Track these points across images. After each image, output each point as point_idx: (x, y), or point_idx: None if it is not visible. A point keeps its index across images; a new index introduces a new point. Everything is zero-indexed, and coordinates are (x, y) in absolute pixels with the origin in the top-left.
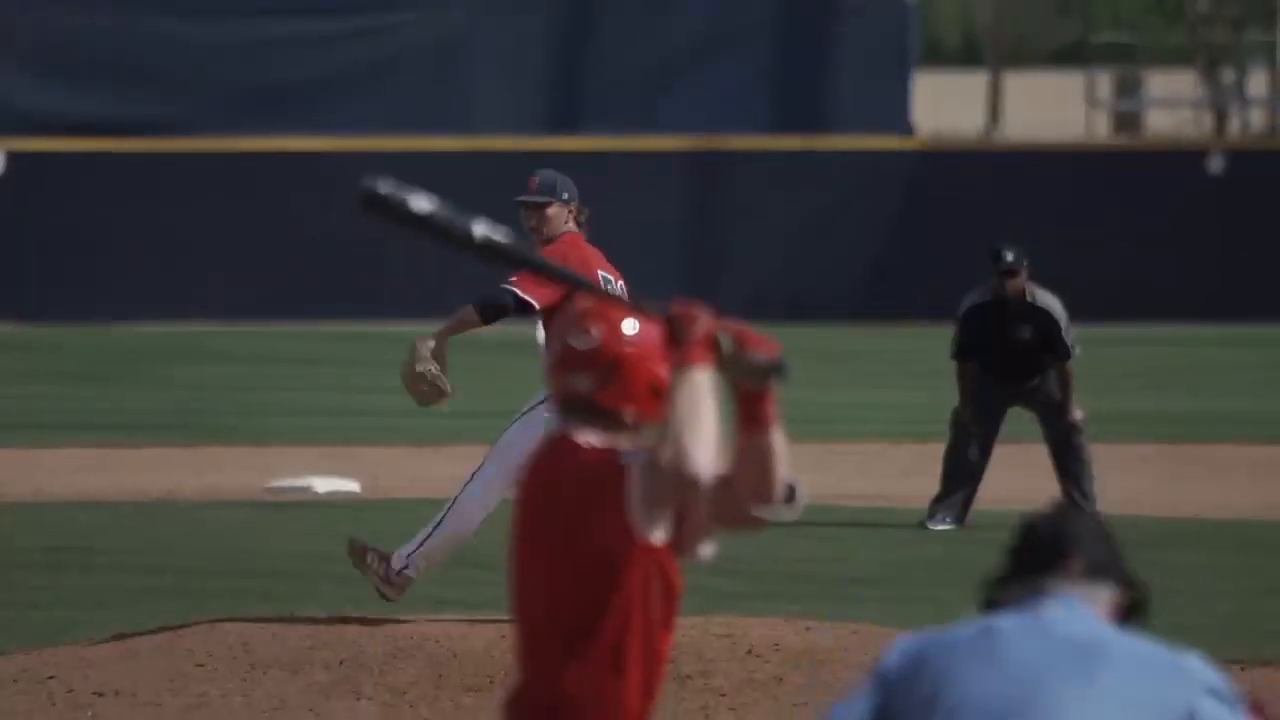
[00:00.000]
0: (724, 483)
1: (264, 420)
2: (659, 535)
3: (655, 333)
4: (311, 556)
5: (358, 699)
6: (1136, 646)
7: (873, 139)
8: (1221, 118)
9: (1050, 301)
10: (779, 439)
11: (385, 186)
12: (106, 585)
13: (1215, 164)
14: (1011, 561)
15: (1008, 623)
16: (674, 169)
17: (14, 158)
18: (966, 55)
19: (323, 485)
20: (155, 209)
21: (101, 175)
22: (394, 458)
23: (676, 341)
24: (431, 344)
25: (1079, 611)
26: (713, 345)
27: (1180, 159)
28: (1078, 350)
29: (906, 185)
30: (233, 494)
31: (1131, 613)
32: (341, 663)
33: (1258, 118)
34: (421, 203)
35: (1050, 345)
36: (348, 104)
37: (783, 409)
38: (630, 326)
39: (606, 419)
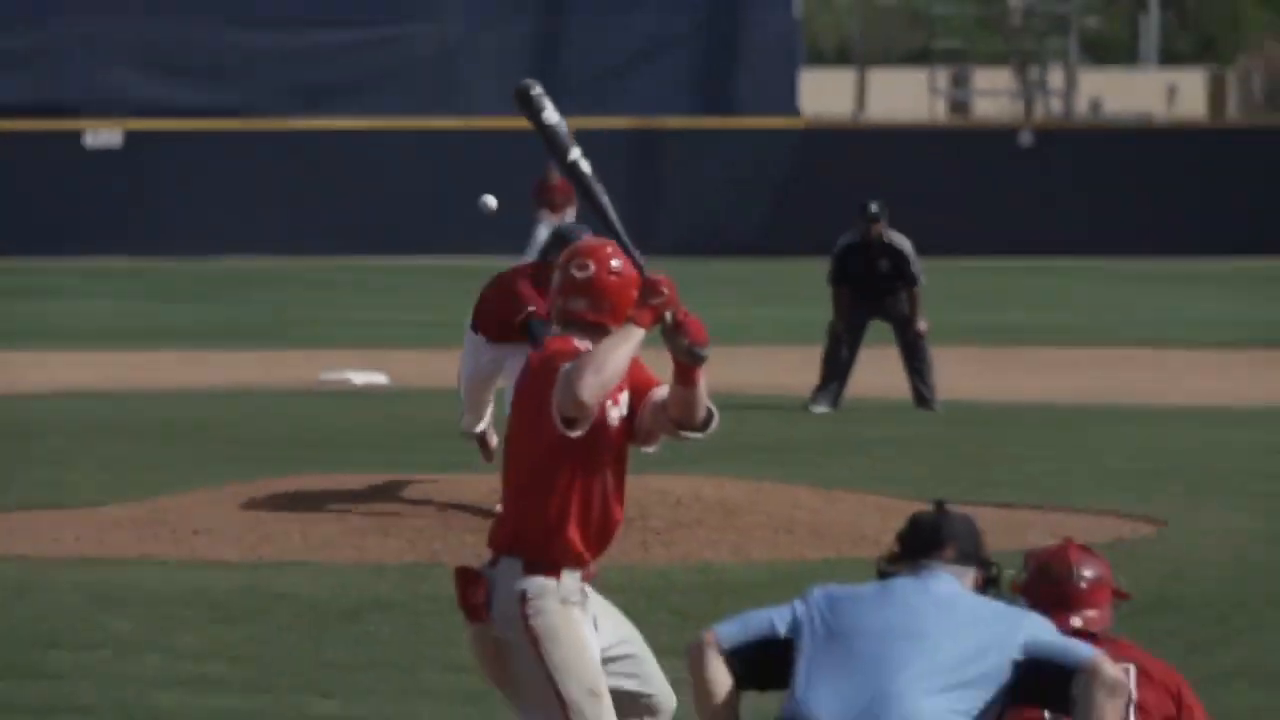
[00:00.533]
0: (661, 408)
1: (317, 330)
2: (574, 433)
3: (633, 269)
4: (350, 431)
5: (386, 537)
6: (989, 603)
7: (769, 119)
8: (1029, 104)
9: (902, 241)
10: (701, 388)
11: (535, 89)
12: (200, 452)
13: (1025, 139)
14: (901, 545)
15: (898, 581)
16: (624, 142)
17: (129, 135)
18: (839, 56)
19: (359, 378)
20: (232, 172)
21: (192, 147)
22: (415, 358)
23: (640, 300)
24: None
25: (949, 581)
26: (659, 316)
27: (999, 135)
28: (923, 278)
29: (794, 155)
30: (293, 385)
31: (989, 586)
32: (374, 509)
33: (1055, 104)
34: (551, 114)
35: (902, 274)
36: (373, 93)
37: (706, 323)
38: (616, 263)
39: (595, 332)
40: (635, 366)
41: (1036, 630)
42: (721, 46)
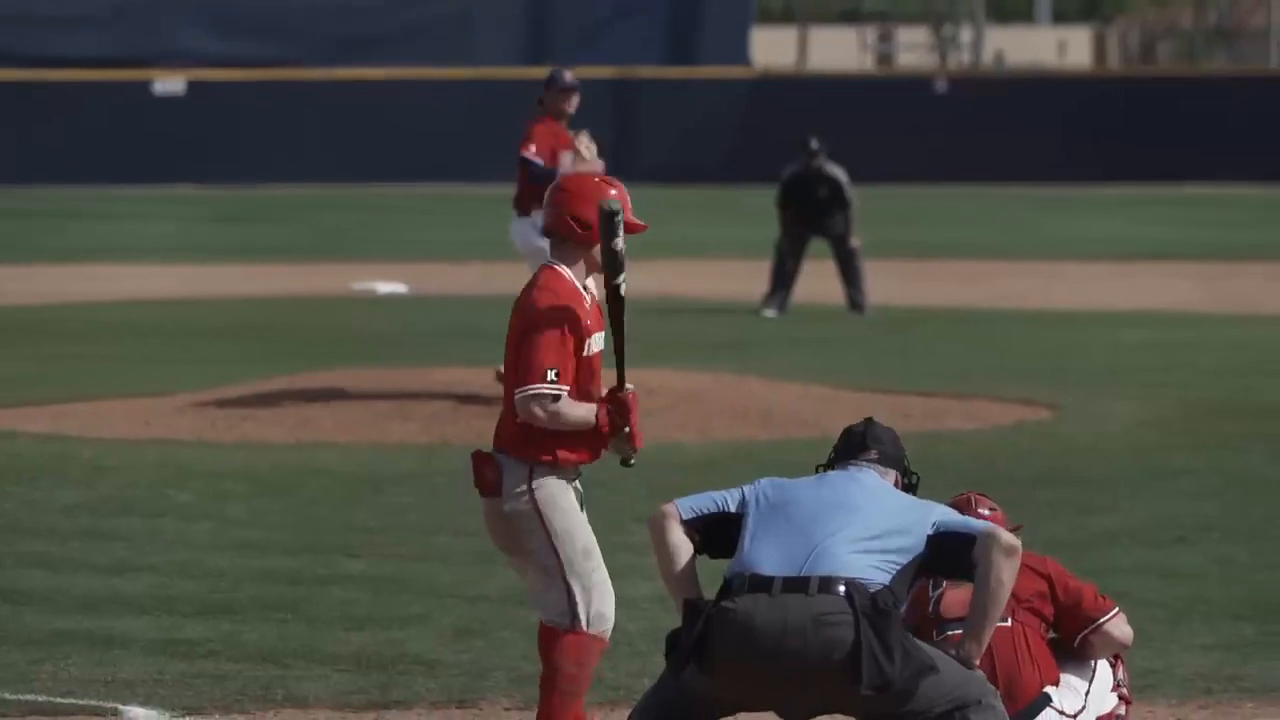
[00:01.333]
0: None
1: (349, 246)
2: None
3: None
4: (375, 332)
5: (405, 421)
6: (909, 496)
7: (727, 69)
8: (944, 57)
9: (837, 171)
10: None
11: (619, 215)
12: (249, 350)
13: (940, 86)
14: (835, 451)
15: (832, 473)
16: (605, 89)
17: (191, 84)
18: (784, 16)
19: (384, 287)
20: (278, 113)
21: (245, 93)
22: (432, 270)
23: (610, 415)
24: None
25: (875, 476)
26: (619, 428)
27: (918, 83)
28: (856, 202)
29: (748, 100)
30: (327, 293)
31: (909, 490)
32: (395, 398)
33: (965, 57)
34: (620, 241)
35: (838, 199)
36: (399, 45)
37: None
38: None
39: (554, 237)
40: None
41: (946, 514)
42: (686, 6)
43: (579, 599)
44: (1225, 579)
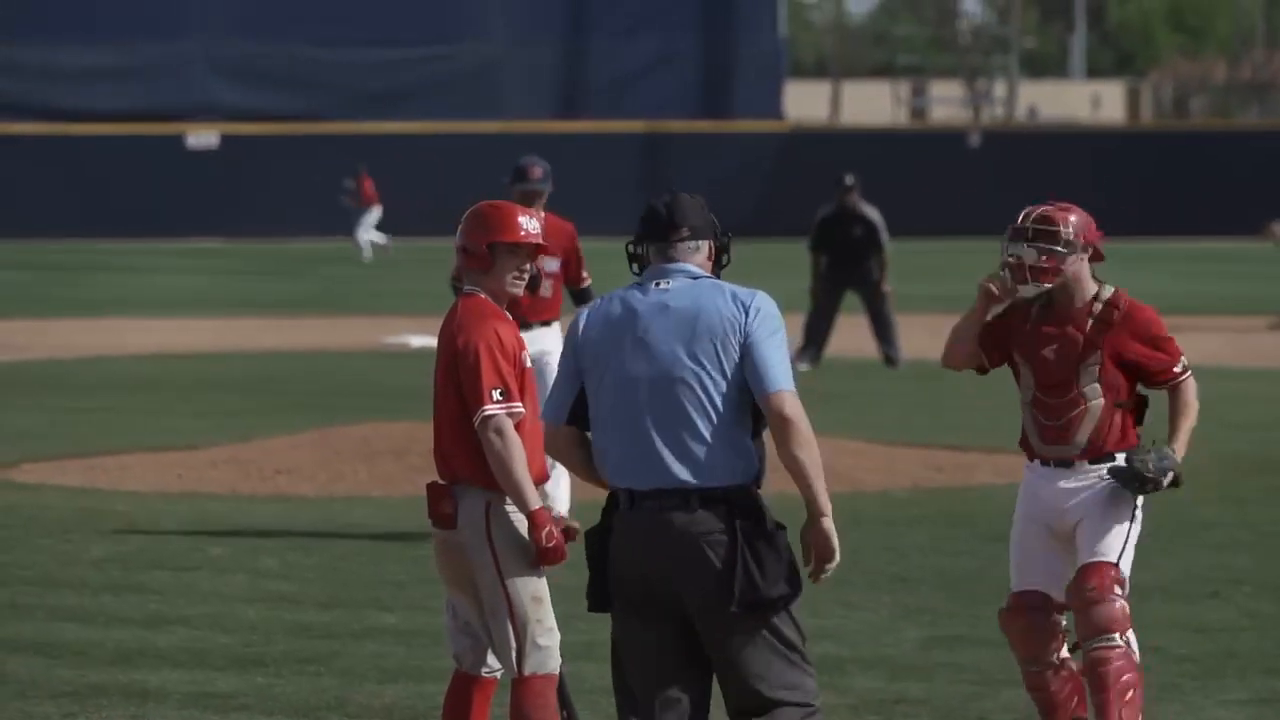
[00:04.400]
0: None
1: (380, 300)
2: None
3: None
4: (405, 386)
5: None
6: (718, 305)
7: (759, 123)
8: (977, 111)
9: (873, 213)
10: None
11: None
12: (280, 404)
13: (973, 140)
14: (642, 231)
15: (642, 305)
16: (637, 142)
17: (224, 137)
18: (817, 70)
19: (416, 341)
20: (309, 167)
21: (277, 146)
22: None
23: (540, 545)
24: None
25: (682, 285)
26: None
27: (951, 137)
28: (890, 247)
29: (780, 153)
30: (359, 347)
31: (722, 252)
32: (428, 451)
33: (999, 111)
34: None
35: (873, 240)
36: (426, 100)
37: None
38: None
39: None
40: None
41: (761, 334)
42: (719, 61)
43: (527, 645)
44: (1258, 633)
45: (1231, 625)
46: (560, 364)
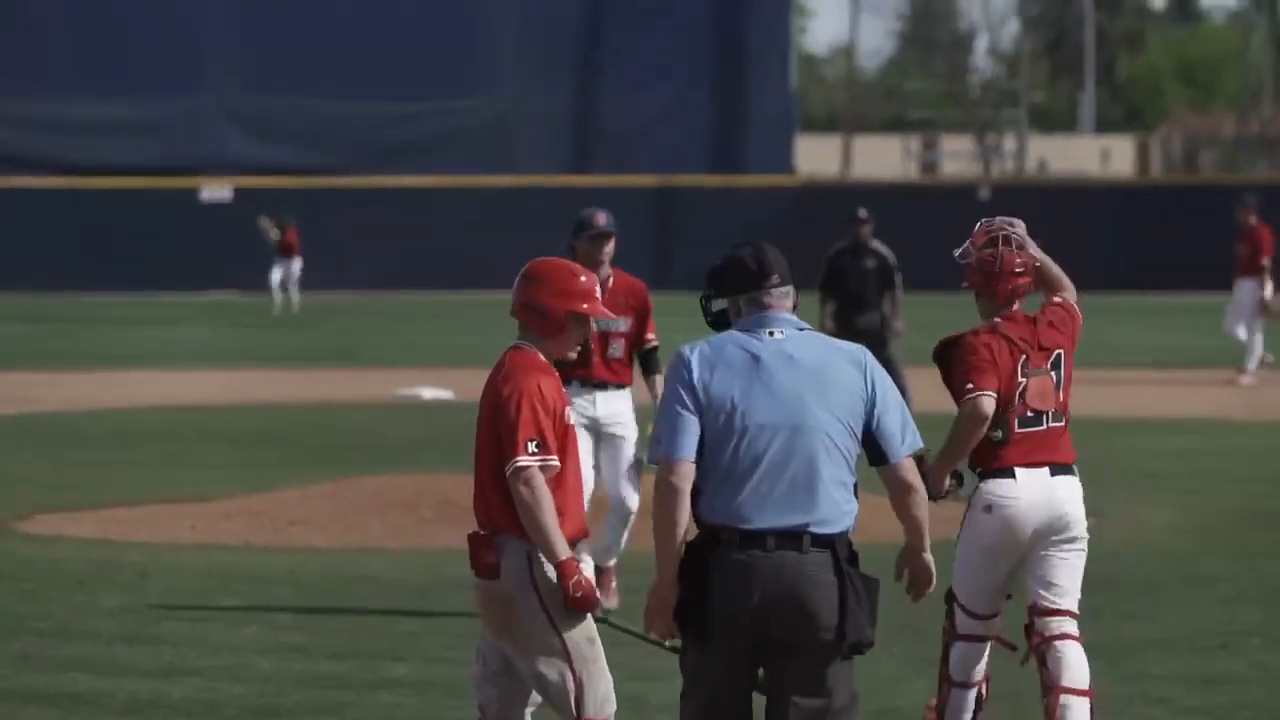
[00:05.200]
0: None
1: (392, 353)
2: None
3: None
4: (418, 438)
5: (450, 526)
6: (839, 362)
7: (770, 178)
8: (987, 165)
9: (885, 249)
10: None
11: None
12: (293, 456)
13: (984, 194)
14: (729, 282)
15: (765, 353)
16: (647, 196)
17: (237, 191)
18: (829, 124)
19: (429, 393)
20: (322, 220)
21: (289, 199)
22: (481, 376)
23: (570, 594)
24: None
25: (795, 335)
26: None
27: (962, 191)
28: (900, 289)
29: (791, 207)
30: (371, 399)
31: (794, 305)
32: (442, 504)
33: (1009, 165)
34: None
35: (885, 275)
36: (440, 154)
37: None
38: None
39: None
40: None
41: (884, 394)
42: (730, 115)
43: (586, 688)
44: (1267, 685)
45: (1241, 677)
46: (670, 403)
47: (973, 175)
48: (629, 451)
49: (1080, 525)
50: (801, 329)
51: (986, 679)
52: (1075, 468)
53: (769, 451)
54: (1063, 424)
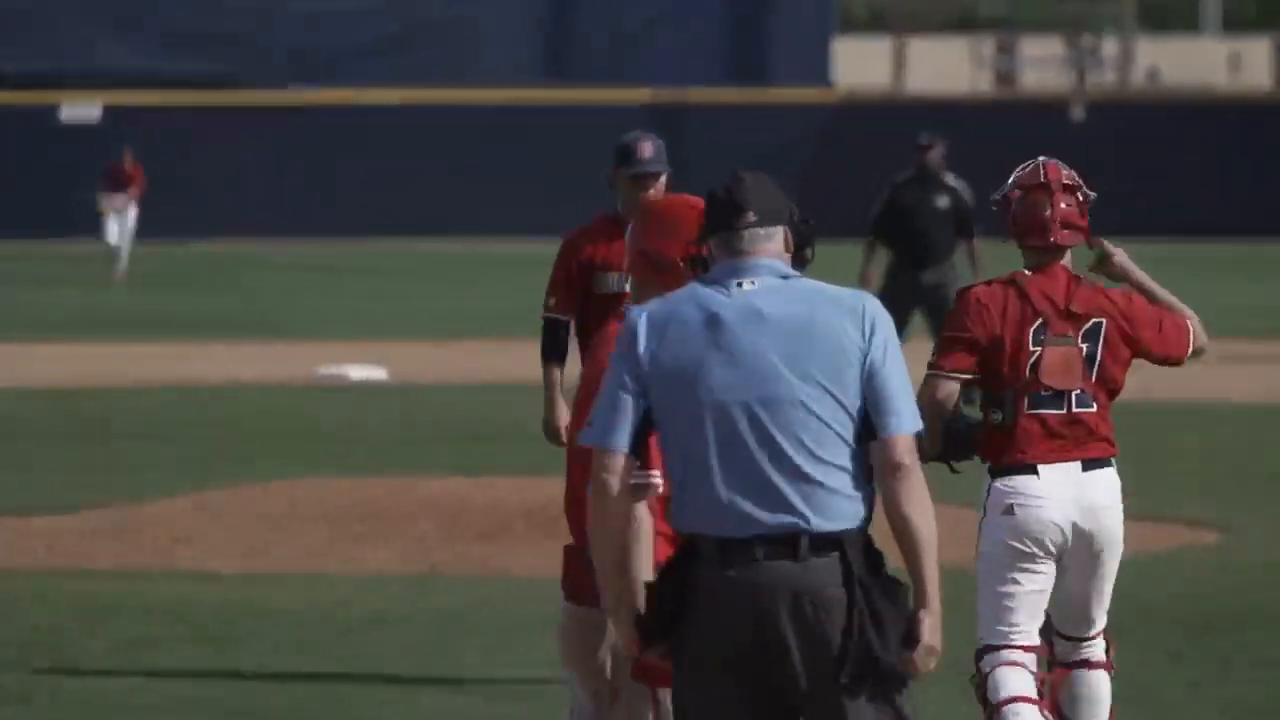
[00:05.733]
0: None
1: (309, 321)
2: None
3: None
4: (347, 430)
5: (384, 547)
6: (826, 313)
7: (800, 92)
8: (1081, 75)
9: (960, 184)
10: None
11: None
12: (183, 454)
13: (1077, 113)
14: (704, 225)
15: (728, 310)
16: (641, 116)
17: (107, 109)
18: (874, 24)
19: (357, 373)
20: (221, 148)
21: (176, 121)
22: (422, 352)
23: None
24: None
25: (771, 284)
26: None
27: (1048, 110)
28: (978, 239)
29: (828, 131)
30: (285, 380)
31: (804, 246)
32: (370, 516)
33: (1109, 75)
34: None
35: (960, 217)
36: (377, 62)
37: None
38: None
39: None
40: None
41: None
42: (749, 13)
43: None
44: None
45: None
46: (608, 380)
47: (1062, 89)
48: None
49: (1116, 537)
50: (786, 276)
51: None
52: (1114, 462)
53: (735, 434)
54: (1094, 409)
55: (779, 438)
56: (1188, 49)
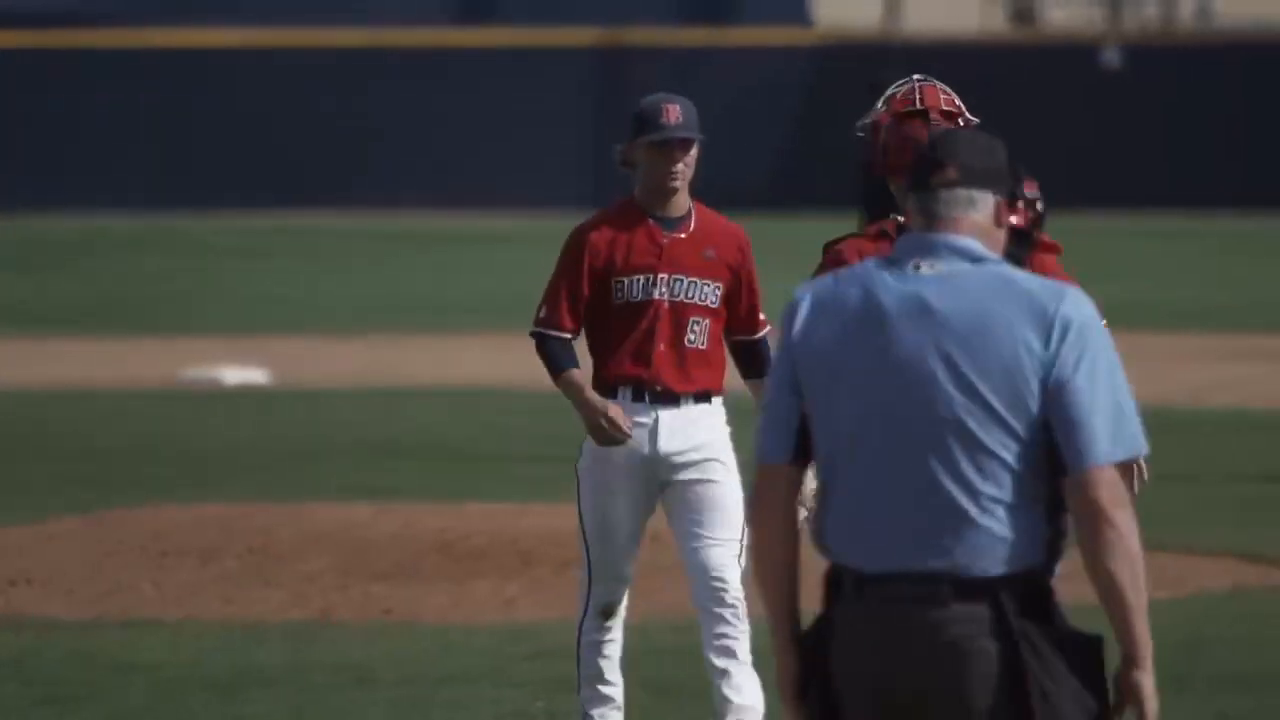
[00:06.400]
0: None
1: (174, 312)
2: None
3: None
4: (219, 445)
5: (268, 586)
6: (1006, 312)
7: (775, 31)
8: (1116, 10)
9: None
10: None
11: None
12: (24, 473)
13: (1110, 58)
14: (907, 180)
15: (891, 298)
16: (586, 62)
17: None
18: None
19: (232, 376)
20: (65, 100)
21: (11, 66)
22: (309, 348)
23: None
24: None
25: (956, 270)
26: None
27: (1076, 53)
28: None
29: (809, 78)
30: (146, 384)
31: (1034, 226)
32: (251, 551)
33: (1150, 10)
34: None
35: None
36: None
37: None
38: None
39: None
40: None
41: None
42: None
43: None
44: None
45: None
46: (773, 374)
47: (1092, 29)
48: (728, 507)
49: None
50: (978, 260)
51: None
52: None
53: (878, 451)
54: None
55: (929, 461)
56: None
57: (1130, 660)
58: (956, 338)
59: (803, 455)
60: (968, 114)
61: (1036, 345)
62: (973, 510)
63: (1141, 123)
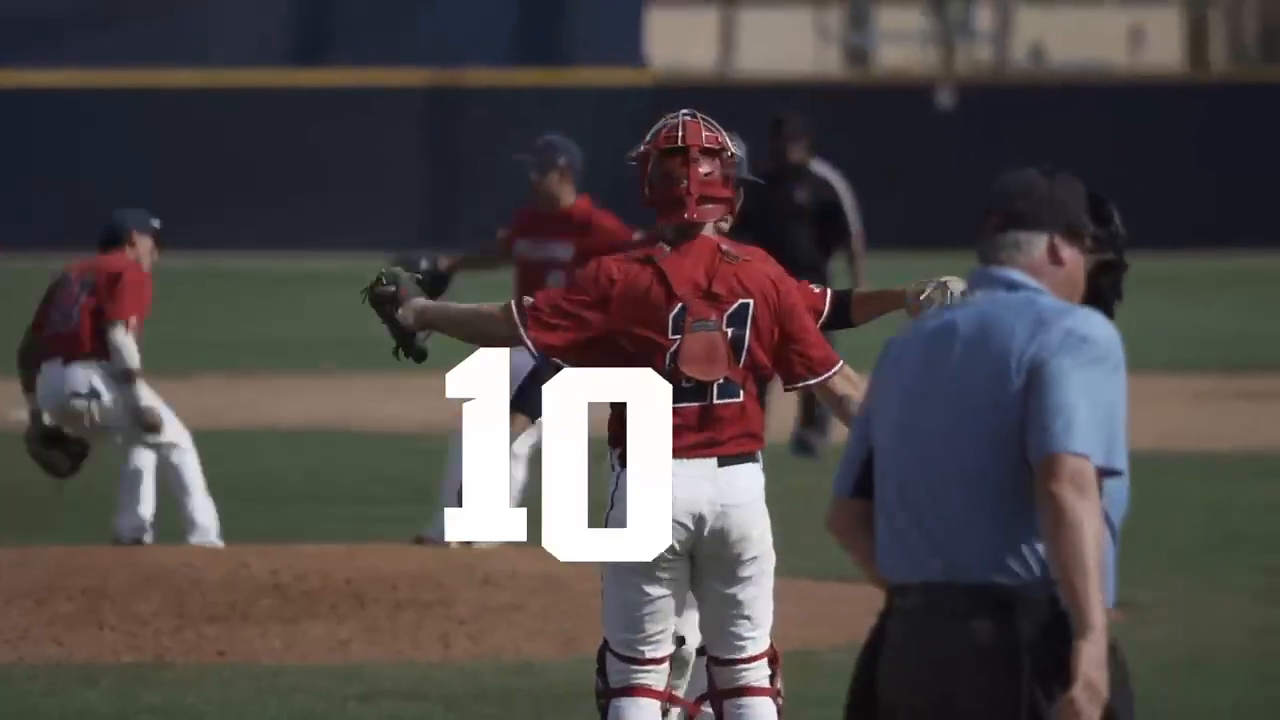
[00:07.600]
0: None
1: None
2: None
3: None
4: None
5: (101, 629)
6: (992, 334)
7: (608, 72)
8: (950, 52)
9: (830, 173)
10: None
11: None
12: None
13: (944, 99)
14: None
15: (932, 325)
16: (415, 103)
17: None
18: None
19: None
20: None
21: None
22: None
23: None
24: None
25: (992, 298)
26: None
27: (910, 95)
28: (859, 234)
29: (643, 120)
30: None
31: (1114, 267)
32: (84, 592)
33: (984, 52)
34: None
35: (828, 216)
36: (75, 36)
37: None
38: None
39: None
40: None
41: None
42: None
43: None
44: None
45: None
46: (858, 411)
47: (927, 69)
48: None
49: (761, 540)
50: (1014, 287)
51: None
52: (759, 456)
53: (913, 468)
54: (740, 399)
55: (943, 474)
56: (1079, 21)
57: (1079, 630)
58: (968, 354)
59: (864, 492)
60: (731, 148)
61: (1018, 347)
62: (981, 522)
63: (975, 163)
